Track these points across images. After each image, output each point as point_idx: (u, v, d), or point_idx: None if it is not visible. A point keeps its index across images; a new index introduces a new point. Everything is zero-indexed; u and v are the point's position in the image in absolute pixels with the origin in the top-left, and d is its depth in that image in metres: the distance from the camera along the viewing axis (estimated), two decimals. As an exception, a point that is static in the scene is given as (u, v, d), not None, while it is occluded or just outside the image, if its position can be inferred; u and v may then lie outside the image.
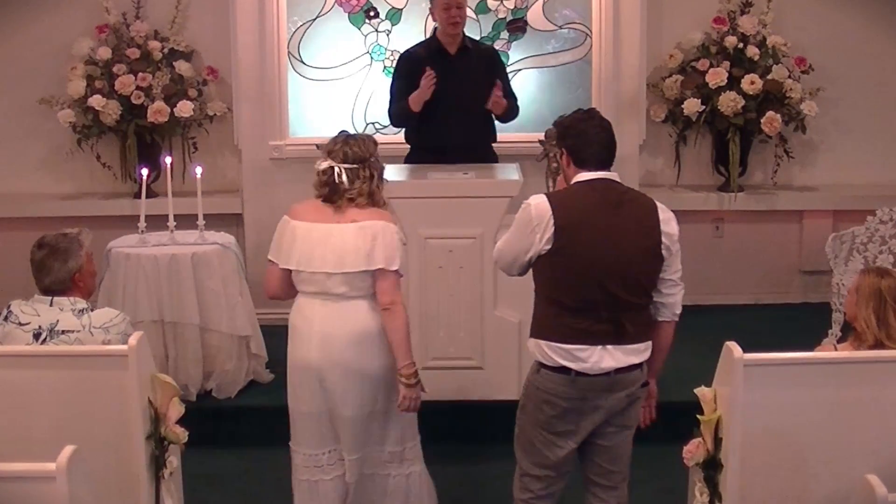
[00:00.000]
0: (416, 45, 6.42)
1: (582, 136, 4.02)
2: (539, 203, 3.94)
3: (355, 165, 4.26)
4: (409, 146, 6.27)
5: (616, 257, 3.89)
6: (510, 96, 6.25)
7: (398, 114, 6.20)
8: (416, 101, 6.00)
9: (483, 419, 5.48)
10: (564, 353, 3.92)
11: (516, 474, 4.14)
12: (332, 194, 4.28)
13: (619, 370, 3.94)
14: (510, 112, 6.23)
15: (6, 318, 4.29)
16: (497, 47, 6.91)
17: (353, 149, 4.28)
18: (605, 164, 4.02)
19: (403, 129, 6.36)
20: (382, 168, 4.36)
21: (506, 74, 6.48)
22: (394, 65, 6.50)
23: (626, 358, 3.95)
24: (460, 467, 5.23)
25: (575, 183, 4.00)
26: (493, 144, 6.32)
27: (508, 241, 4.04)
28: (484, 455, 5.40)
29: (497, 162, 6.17)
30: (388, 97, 6.30)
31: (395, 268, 4.24)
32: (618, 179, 4.01)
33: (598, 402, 3.96)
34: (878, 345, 4.03)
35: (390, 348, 4.24)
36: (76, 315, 4.24)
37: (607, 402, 3.97)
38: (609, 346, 3.92)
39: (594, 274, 3.88)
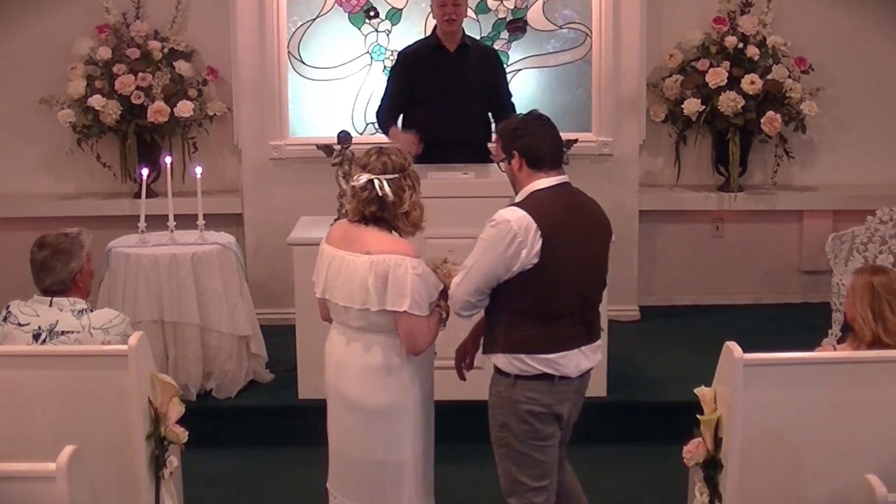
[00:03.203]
0: (416, 42, 6.46)
1: (535, 134, 3.93)
2: (519, 217, 3.82)
3: (396, 175, 3.88)
4: None
5: (589, 260, 3.92)
6: (507, 105, 6.27)
7: (383, 123, 6.28)
8: (393, 138, 6.05)
9: (483, 419, 5.47)
10: (549, 362, 3.89)
11: (512, 496, 4.03)
12: (380, 212, 3.89)
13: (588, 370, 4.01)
14: None
15: (5, 319, 4.29)
16: (497, 47, 6.92)
17: (392, 157, 3.90)
18: (559, 165, 3.97)
19: (402, 125, 6.37)
20: (418, 179, 3.99)
21: (505, 77, 6.50)
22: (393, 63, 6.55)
23: (594, 356, 4.00)
24: (460, 467, 5.22)
25: (538, 191, 3.91)
26: (490, 144, 6.34)
27: (477, 267, 3.85)
28: (484, 455, 5.38)
29: (492, 161, 6.17)
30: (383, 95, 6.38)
31: (405, 309, 3.82)
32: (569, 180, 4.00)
33: (569, 402, 3.99)
34: (876, 340, 4.02)
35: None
36: (76, 316, 4.24)
37: (575, 402, 4.03)
38: (584, 348, 3.95)
39: (575, 281, 3.87)
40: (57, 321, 4.22)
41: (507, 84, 6.48)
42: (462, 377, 4.20)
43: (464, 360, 4.19)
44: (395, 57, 6.56)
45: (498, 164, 4.06)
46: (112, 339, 4.21)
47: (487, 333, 4.00)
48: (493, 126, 6.34)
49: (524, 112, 4.13)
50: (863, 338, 4.06)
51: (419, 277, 3.85)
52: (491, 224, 3.86)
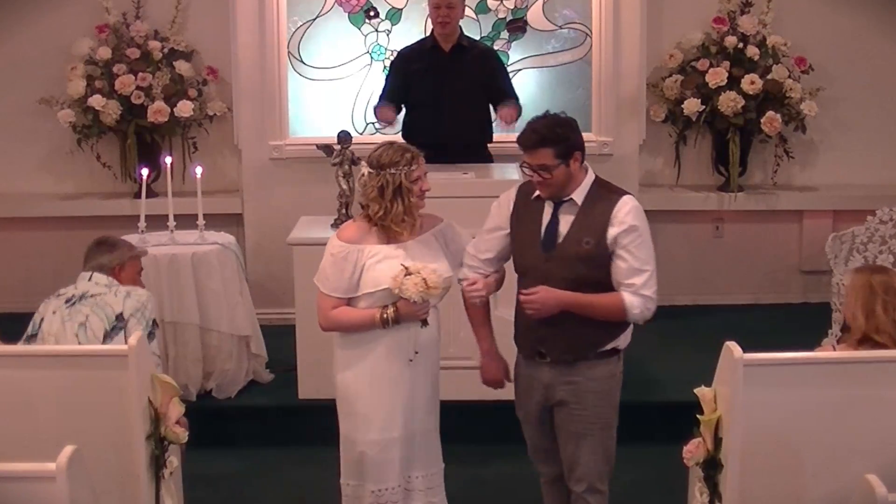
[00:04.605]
0: (414, 42, 6.48)
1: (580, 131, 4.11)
2: (636, 201, 4.04)
3: (371, 170, 4.07)
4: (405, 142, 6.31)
5: None
6: (512, 97, 6.26)
7: (378, 114, 6.34)
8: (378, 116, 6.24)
9: (483, 419, 5.47)
10: None
11: (605, 476, 4.16)
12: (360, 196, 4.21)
13: None
14: (517, 117, 6.24)
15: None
16: (497, 47, 6.92)
17: (378, 152, 4.09)
18: None
19: (401, 126, 6.43)
20: (400, 187, 4.03)
21: (505, 75, 6.50)
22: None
23: None
24: (459, 468, 5.22)
25: (599, 179, 4.09)
26: (490, 144, 6.34)
27: (654, 260, 4.01)
28: (484, 455, 5.40)
29: (492, 162, 6.17)
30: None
31: (315, 279, 4.13)
32: None
33: None
34: (866, 339, 4.00)
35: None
36: (106, 286, 4.52)
37: None
38: None
39: None
40: (89, 290, 4.49)
41: (509, 82, 6.48)
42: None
43: (504, 376, 4.32)
44: (394, 56, 6.59)
45: (544, 173, 3.97)
46: (128, 303, 4.46)
47: (605, 325, 4.04)
48: (492, 127, 6.36)
49: (545, 114, 4.09)
50: (854, 334, 4.05)
51: (331, 257, 4.08)
52: (634, 226, 3.95)
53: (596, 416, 4.10)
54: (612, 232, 3.95)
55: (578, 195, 4.03)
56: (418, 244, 4.12)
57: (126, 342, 4.36)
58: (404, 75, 6.30)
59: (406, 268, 4.00)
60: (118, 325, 4.47)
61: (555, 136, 3.98)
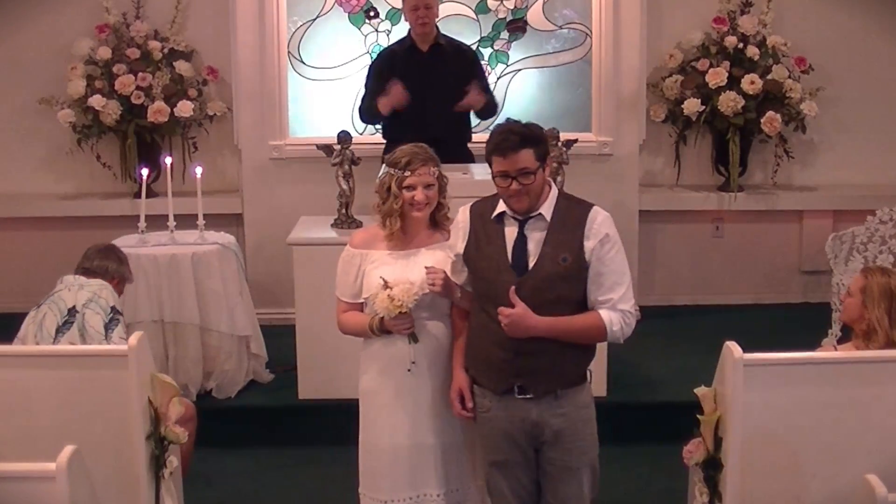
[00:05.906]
0: (393, 43, 6.50)
1: None
2: (606, 212, 3.85)
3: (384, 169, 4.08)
4: (385, 141, 6.31)
5: None
6: (486, 92, 6.30)
7: (367, 110, 6.32)
8: (386, 106, 6.12)
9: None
10: None
11: (595, 482, 4.00)
12: None
13: None
14: (487, 108, 6.32)
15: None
16: (497, 47, 6.93)
17: (397, 148, 4.10)
18: None
19: (382, 126, 6.46)
20: (390, 189, 3.99)
21: (481, 72, 6.52)
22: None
23: None
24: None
25: (562, 189, 3.98)
26: (469, 144, 6.34)
27: (627, 266, 3.83)
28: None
29: (472, 161, 6.15)
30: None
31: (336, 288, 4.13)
32: None
33: None
34: (889, 344, 4.01)
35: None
36: (67, 284, 4.61)
37: None
38: None
39: None
40: (55, 290, 4.55)
41: (485, 80, 6.49)
42: (474, 417, 3.97)
43: (462, 398, 3.94)
44: (375, 57, 6.57)
45: (525, 178, 3.72)
46: (80, 294, 4.52)
47: (583, 347, 3.86)
48: (471, 126, 6.39)
49: (508, 119, 3.87)
50: (874, 340, 4.03)
51: (341, 261, 4.13)
52: (609, 235, 3.75)
53: (590, 445, 3.93)
54: (589, 245, 3.74)
55: (546, 209, 3.77)
56: (425, 253, 4.03)
57: (78, 335, 4.53)
58: (386, 75, 6.26)
59: (385, 281, 3.91)
60: (70, 318, 4.54)
61: (534, 135, 3.74)
